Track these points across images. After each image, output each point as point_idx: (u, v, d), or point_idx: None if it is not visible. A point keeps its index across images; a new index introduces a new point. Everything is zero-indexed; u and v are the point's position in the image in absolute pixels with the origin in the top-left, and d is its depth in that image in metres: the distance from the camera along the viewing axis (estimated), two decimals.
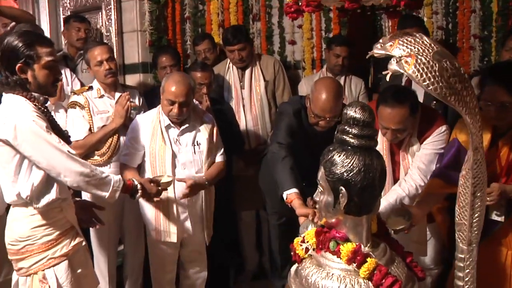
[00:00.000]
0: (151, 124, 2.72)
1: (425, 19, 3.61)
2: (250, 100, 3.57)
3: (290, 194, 2.32)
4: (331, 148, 1.53)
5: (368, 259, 1.45)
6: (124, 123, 2.91)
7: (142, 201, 2.71)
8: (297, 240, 1.65)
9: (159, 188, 2.45)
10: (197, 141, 2.74)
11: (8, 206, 2.16)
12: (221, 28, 4.23)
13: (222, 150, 2.85)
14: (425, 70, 1.30)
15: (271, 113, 3.58)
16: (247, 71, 3.58)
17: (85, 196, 2.76)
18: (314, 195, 1.61)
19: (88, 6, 4.42)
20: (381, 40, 1.40)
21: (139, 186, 2.32)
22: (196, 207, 2.77)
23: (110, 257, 3.06)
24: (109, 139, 2.94)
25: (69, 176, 2.00)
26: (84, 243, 2.20)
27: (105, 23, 4.30)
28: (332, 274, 1.49)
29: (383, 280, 1.41)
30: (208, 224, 2.83)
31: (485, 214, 1.66)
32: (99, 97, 3.01)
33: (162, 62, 3.46)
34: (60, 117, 2.93)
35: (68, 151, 2.01)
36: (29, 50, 1.96)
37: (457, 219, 1.66)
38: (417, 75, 1.30)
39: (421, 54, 1.32)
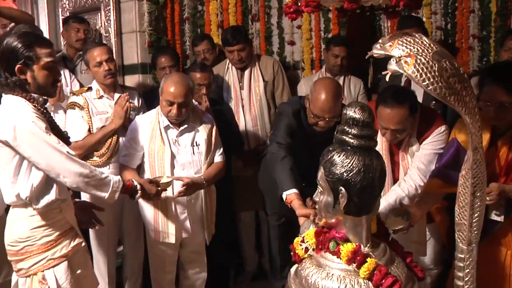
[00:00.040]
0: (150, 125, 2.72)
1: (424, 19, 3.61)
2: (249, 100, 3.57)
3: (290, 195, 2.31)
4: (330, 149, 1.53)
5: (368, 259, 1.45)
6: (124, 124, 2.90)
7: (141, 202, 2.71)
8: (297, 240, 1.65)
9: (159, 188, 2.45)
10: (196, 142, 2.74)
11: (7, 207, 2.16)
12: (220, 28, 4.23)
13: (221, 150, 2.85)
14: (425, 70, 1.30)
15: (271, 114, 3.58)
16: (246, 72, 3.58)
17: (84, 197, 2.76)
18: (313, 196, 1.61)
19: (87, 7, 4.42)
20: (380, 41, 1.40)
21: (138, 186, 2.31)
22: (196, 208, 2.77)
23: (109, 257, 3.06)
24: (108, 140, 2.93)
25: (69, 177, 2.00)
26: (83, 244, 2.20)
27: (104, 23, 4.30)
28: (332, 274, 1.49)
29: (383, 280, 1.41)
30: (209, 224, 2.83)
31: (484, 214, 1.66)
32: (98, 98, 3.01)
33: (161, 63, 3.46)
34: (59, 118, 2.93)
35: (68, 152, 2.01)
36: (28, 51, 1.96)
37: (457, 219, 1.66)
38: (417, 75, 1.30)
39: (420, 54, 1.32)
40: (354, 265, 1.47)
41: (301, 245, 1.62)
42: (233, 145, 3.21)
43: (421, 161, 2.39)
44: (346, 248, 1.48)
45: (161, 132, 2.69)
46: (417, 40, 1.36)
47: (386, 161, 2.27)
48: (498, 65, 2.88)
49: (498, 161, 2.14)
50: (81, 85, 3.38)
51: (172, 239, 2.73)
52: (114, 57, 3.40)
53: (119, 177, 2.25)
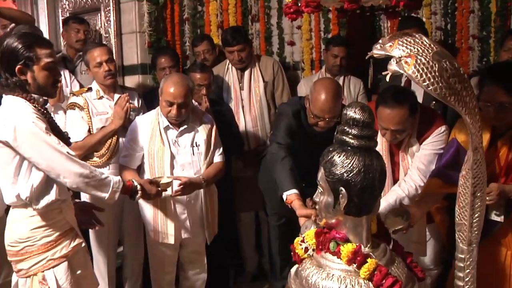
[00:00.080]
0: (150, 125, 2.72)
1: (424, 19, 3.62)
2: (249, 101, 3.57)
3: (290, 195, 2.31)
4: (330, 149, 1.53)
5: (368, 260, 1.45)
6: (123, 125, 2.91)
7: (141, 202, 2.71)
8: (297, 240, 1.65)
9: (159, 189, 2.45)
10: (195, 142, 2.74)
11: (7, 208, 2.16)
12: (220, 29, 4.23)
13: (221, 150, 2.85)
14: (425, 70, 1.30)
15: (271, 114, 3.58)
16: (246, 72, 3.58)
17: (84, 197, 2.76)
18: (314, 196, 1.61)
19: (87, 8, 4.41)
20: (380, 41, 1.40)
21: (138, 187, 2.31)
22: (196, 208, 2.77)
23: (109, 258, 3.06)
24: (108, 141, 2.93)
25: (69, 177, 2.00)
26: (83, 244, 2.20)
27: (104, 24, 4.30)
28: (333, 274, 1.49)
29: (384, 281, 1.41)
30: (209, 224, 2.82)
31: (484, 214, 1.66)
32: (98, 99, 3.01)
33: (161, 63, 3.46)
34: (59, 118, 2.93)
35: (68, 152, 2.01)
36: (28, 51, 1.96)
37: (457, 219, 1.66)
38: (417, 75, 1.30)
39: (420, 54, 1.32)
40: (355, 265, 1.46)
41: (301, 245, 1.62)
42: (233, 146, 3.20)
43: (421, 161, 2.39)
44: (347, 249, 1.48)
45: (160, 133, 2.69)
46: (417, 40, 1.36)
47: (386, 162, 2.27)
48: (498, 65, 2.88)
49: (498, 161, 2.15)
50: (81, 86, 3.38)
51: (171, 240, 2.72)
52: (114, 58, 3.41)
53: (119, 177, 2.25)
